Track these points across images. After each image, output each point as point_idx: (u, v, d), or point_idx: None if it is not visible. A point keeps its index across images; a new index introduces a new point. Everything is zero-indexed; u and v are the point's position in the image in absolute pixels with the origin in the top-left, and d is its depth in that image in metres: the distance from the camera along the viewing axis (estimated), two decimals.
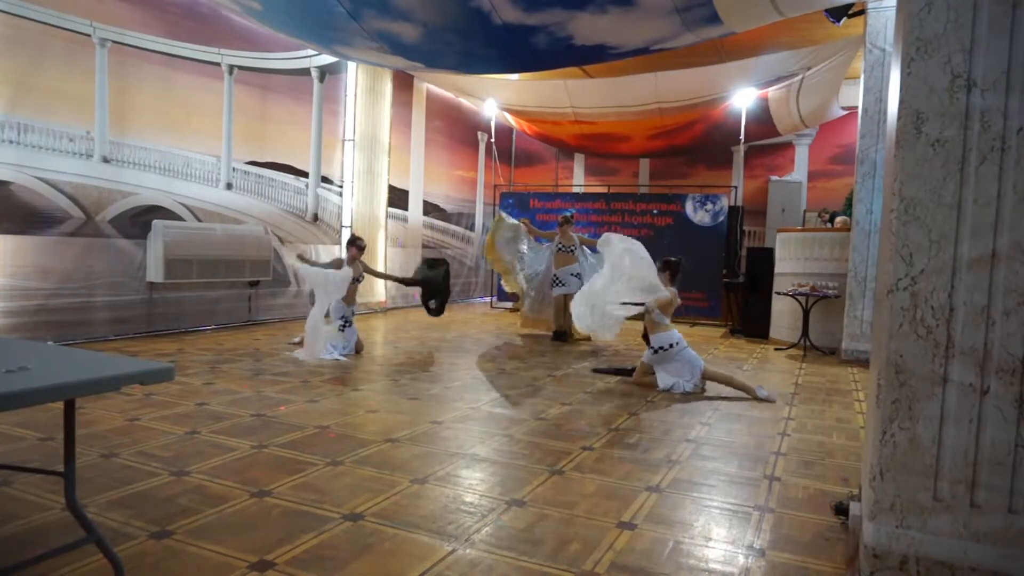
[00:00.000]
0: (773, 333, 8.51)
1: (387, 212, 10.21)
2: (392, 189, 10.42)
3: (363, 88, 9.77)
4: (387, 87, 10.11)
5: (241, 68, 7.91)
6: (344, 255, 6.64)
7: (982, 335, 1.92)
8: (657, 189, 12.54)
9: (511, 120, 12.85)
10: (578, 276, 7.62)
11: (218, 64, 7.64)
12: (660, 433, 4.04)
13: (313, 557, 2.30)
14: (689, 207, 10.09)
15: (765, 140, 12.24)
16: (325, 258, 9.30)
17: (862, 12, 6.93)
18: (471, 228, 13.08)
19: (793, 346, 7.76)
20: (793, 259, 8.14)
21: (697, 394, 5.16)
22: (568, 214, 8.12)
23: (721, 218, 9.92)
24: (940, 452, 1.97)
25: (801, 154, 12.62)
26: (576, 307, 5.83)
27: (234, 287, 7.96)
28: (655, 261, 5.57)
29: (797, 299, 7.59)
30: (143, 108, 6.83)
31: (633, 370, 5.62)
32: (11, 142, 5.79)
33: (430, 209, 11.81)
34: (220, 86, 7.70)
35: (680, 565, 2.34)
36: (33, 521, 2.50)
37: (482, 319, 9.94)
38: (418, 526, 2.57)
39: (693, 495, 3.03)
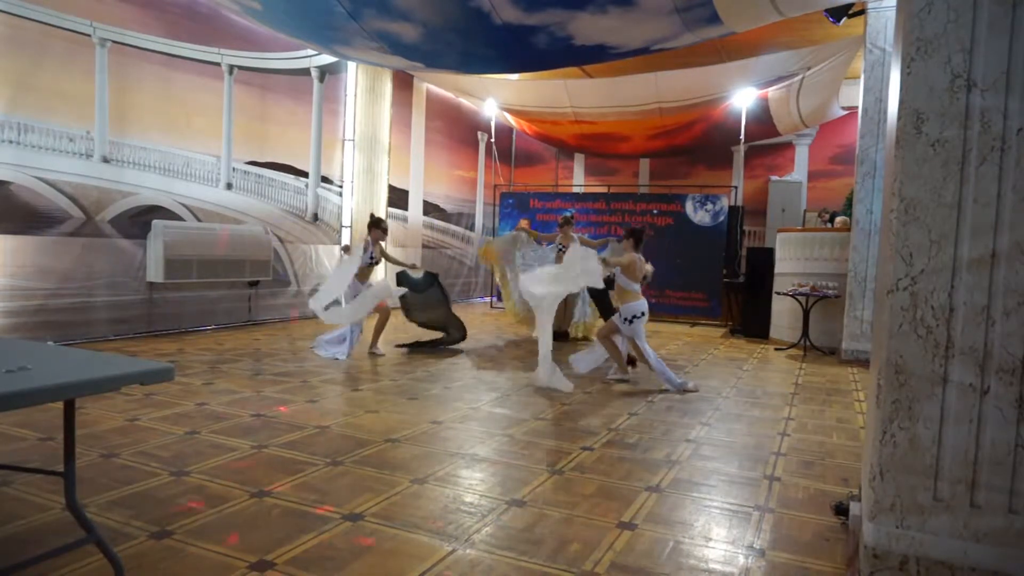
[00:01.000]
0: (773, 333, 8.51)
1: (387, 212, 10.21)
2: (392, 189, 10.42)
3: (363, 88, 9.77)
4: (387, 87, 10.11)
5: (241, 68, 7.90)
6: (367, 237, 6.50)
7: (982, 335, 1.92)
8: (657, 189, 12.54)
9: (511, 120, 12.85)
10: None
11: (218, 64, 7.64)
12: (660, 433, 4.04)
13: (313, 557, 2.30)
14: (689, 207, 10.09)
15: (765, 140, 12.25)
16: (326, 259, 9.31)
17: (862, 12, 6.93)
18: (471, 228, 13.09)
19: (793, 346, 7.76)
20: (793, 259, 8.14)
21: (697, 394, 5.17)
22: (568, 214, 8.10)
23: (721, 218, 9.92)
24: (940, 452, 1.97)
25: (801, 154, 12.62)
26: (525, 287, 5.70)
27: (234, 287, 7.96)
28: (654, 262, 5.61)
29: (797, 299, 7.59)
30: (143, 108, 6.83)
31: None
32: (11, 142, 5.80)
33: (430, 209, 11.80)
34: (220, 86, 7.70)
35: (680, 565, 2.34)
36: (33, 521, 2.50)
37: (482, 319, 9.93)
38: (418, 526, 2.57)
39: (693, 495, 3.03)
